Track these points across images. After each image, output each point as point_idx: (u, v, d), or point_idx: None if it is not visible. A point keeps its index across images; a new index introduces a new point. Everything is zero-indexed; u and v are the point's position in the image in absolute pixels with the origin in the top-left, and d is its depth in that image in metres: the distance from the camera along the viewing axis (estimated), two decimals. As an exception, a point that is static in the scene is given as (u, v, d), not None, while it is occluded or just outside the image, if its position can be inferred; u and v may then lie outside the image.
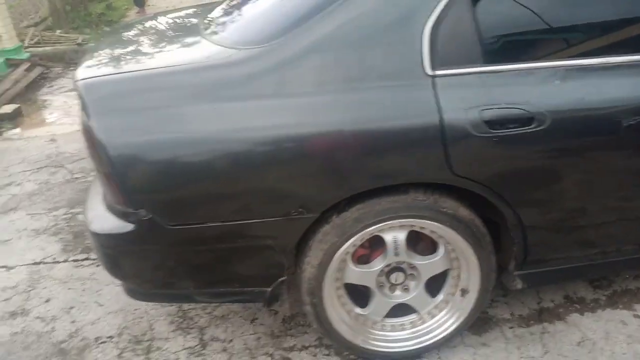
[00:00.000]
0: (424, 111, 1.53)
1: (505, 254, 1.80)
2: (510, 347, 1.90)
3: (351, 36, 1.55)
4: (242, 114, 1.54)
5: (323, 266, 1.67)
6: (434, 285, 1.83)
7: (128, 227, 1.62)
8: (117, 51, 1.92)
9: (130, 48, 1.94)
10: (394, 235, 1.68)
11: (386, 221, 1.63)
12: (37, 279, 2.49)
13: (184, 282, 1.75)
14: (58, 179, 3.45)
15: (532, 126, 1.55)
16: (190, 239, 1.65)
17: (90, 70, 1.71)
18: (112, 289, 2.34)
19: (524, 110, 1.54)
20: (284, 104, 1.54)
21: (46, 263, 2.61)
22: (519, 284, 1.84)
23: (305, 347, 1.97)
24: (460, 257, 1.75)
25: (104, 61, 1.81)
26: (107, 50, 1.91)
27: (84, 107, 1.59)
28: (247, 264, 1.71)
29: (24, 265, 2.61)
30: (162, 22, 2.25)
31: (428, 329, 1.85)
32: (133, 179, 1.57)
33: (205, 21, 2.00)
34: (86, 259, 2.61)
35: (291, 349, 1.97)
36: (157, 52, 1.89)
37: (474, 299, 1.80)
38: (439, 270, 1.78)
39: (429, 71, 1.54)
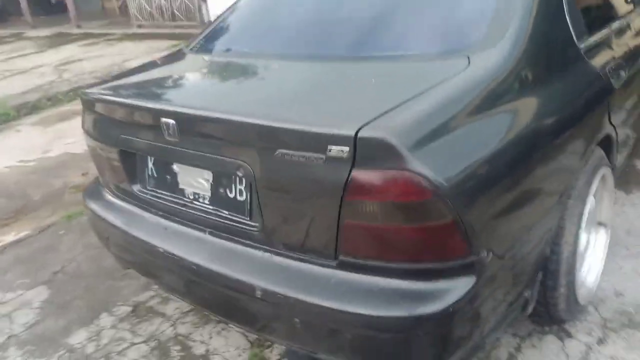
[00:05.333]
0: (595, 79, 1.81)
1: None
2: None
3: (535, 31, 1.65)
4: (527, 109, 1.52)
5: (577, 234, 1.73)
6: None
7: (468, 283, 1.30)
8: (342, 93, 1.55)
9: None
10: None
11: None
12: None
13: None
14: None
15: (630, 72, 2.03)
16: (511, 259, 1.46)
17: (348, 118, 1.30)
18: None
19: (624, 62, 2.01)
20: (544, 86, 1.60)
21: None
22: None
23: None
24: (601, 192, 2.06)
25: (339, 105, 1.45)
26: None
27: (390, 157, 1.21)
28: (536, 265, 1.64)
29: None
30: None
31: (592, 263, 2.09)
32: (475, 217, 1.29)
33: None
34: None
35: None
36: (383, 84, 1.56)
37: (610, 229, 2.16)
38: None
39: (579, 45, 1.81)
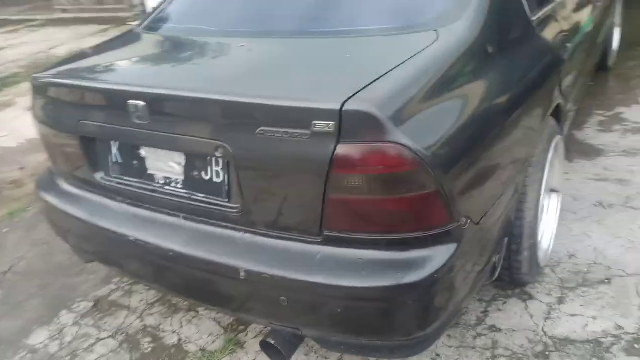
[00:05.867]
0: (547, 50, 1.90)
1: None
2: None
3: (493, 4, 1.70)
4: (493, 80, 1.57)
5: (538, 200, 1.82)
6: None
7: (450, 249, 1.35)
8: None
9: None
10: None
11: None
12: None
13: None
14: None
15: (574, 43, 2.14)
16: (484, 225, 1.51)
17: (330, 93, 1.30)
18: None
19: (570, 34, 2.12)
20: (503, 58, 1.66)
21: None
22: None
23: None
24: (554, 160, 2.16)
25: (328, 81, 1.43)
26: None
27: (375, 130, 1.22)
28: (503, 231, 1.70)
29: None
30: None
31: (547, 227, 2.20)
32: (455, 185, 1.33)
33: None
34: None
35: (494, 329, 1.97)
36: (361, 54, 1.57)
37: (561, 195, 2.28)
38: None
39: (531, 17, 1.89)
